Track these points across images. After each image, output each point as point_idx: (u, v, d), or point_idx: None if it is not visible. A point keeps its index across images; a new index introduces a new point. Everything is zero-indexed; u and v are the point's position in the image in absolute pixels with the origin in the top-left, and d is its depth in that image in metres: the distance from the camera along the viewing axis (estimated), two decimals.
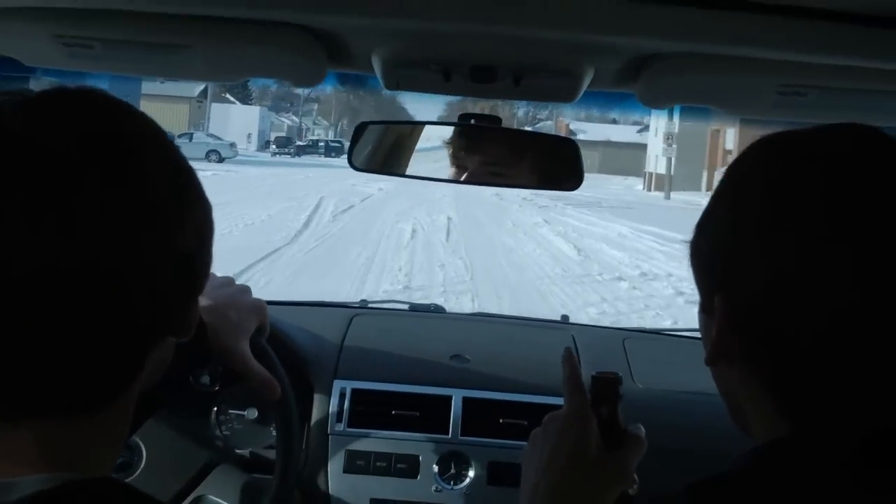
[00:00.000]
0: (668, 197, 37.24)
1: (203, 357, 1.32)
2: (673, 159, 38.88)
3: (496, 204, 25.40)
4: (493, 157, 1.60)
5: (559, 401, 1.71)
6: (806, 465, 0.72)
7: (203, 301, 1.29)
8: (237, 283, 1.47)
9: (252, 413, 1.78)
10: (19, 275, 0.66)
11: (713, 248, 0.81)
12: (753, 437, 0.81)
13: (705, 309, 0.83)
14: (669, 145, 39.14)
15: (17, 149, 0.68)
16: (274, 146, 65.77)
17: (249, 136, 73.73)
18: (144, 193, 0.73)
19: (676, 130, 39.34)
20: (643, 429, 1.13)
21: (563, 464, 1.07)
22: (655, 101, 1.37)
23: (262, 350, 1.45)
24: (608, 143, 64.34)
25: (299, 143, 69.17)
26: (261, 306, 1.46)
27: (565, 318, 2.42)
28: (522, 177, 1.64)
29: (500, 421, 1.76)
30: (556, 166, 1.62)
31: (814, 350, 0.73)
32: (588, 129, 64.11)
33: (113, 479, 0.75)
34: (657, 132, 46.18)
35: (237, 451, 1.71)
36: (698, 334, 2.33)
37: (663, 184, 40.28)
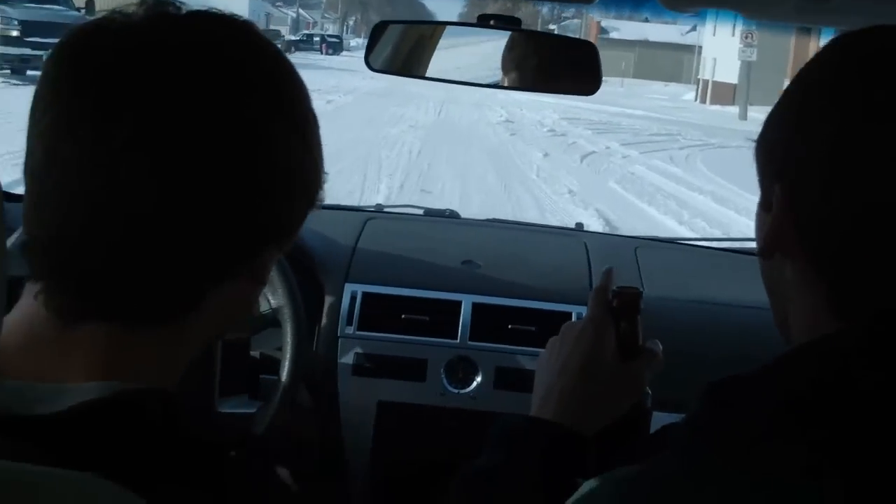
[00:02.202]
0: (743, 116, 26.27)
1: None
2: (749, 64, 27.97)
3: (505, 146, 15.18)
4: (510, 60, 1.57)
5: (568, 308, 1.78)
6: (851, 359, 0.69)
7: None
8: None
9: (263, 304, 1.79)
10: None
11: (776, 138, 0.80)
12: (794, 340, 0.79)
13: (764, 204, 0.81)
14: (749, 45, 27.77)
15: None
16: None
17: None
18: (294, 113, 0.75)
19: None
20: (660, 344, 1.13)
21: (577, 370, 1.08)
22: (677, 4, 1.33)
23: None
24: (645, 44, 56.17)
25: (290, 37, 64.16)
26: None
27: (580, 225, 2.42)
28: (539, 79, 1.62)
29: (509, 327, 1.77)
30: (573, 69, 1.60)
31: (875, 236, 0.71)
32: (621, 27, 57.16)
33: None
34: (715, 32, 36.50)
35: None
36: (712, 244, 2.34)
37: (724, 95, 33.24)
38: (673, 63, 51.44)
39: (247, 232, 0.72)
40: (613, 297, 1.13)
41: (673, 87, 44.18)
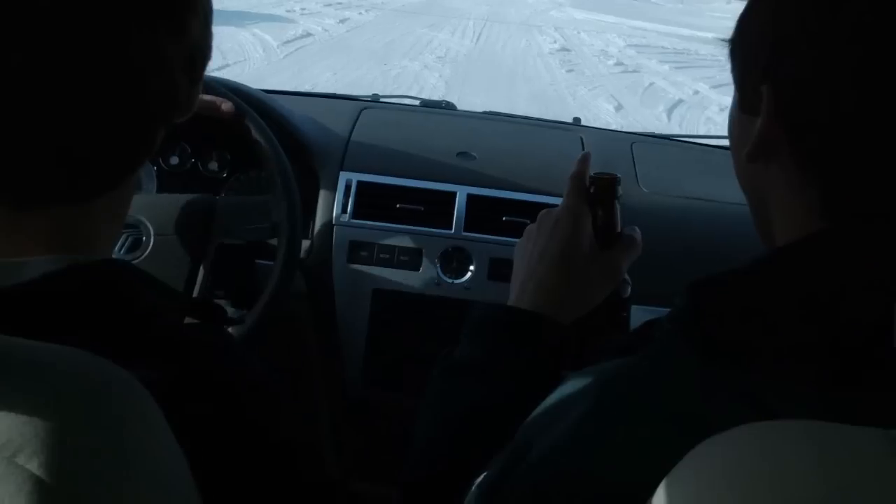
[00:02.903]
0: None
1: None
2: None
3: (562, 94, 10.99)
4: None
5: (562, 200, 1.76)
6: (840, 257, 0.69)
7: None
8: None
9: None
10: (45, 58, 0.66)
11: (761, 36, 0.77)
12: (777, 242, 0.78)
13: (745, 107, 0.79)
14: None
15: None
16: None
17: None
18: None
19: None
20: (639, 231, 1.13)
21: (555, 258, 1.07)
22: None
23: (208, 84, 1.46)
24: None
25: None
26: None
27: (577, 120, 2.39)
28: None
29: (503, 219, 1.78)
30: None
31: (867, 132, 0.69)
32: None
33: (116, 260, 0.76)
34: None
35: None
36: (708, 141, 2.30)
37: None
38: None
39: (147, 112, 0.74)
40: (590, 183, 1.12)
41: (735, 5, 41.59)
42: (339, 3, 20.49)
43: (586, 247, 1.08)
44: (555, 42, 16.74)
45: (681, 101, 10.84)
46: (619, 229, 1.12)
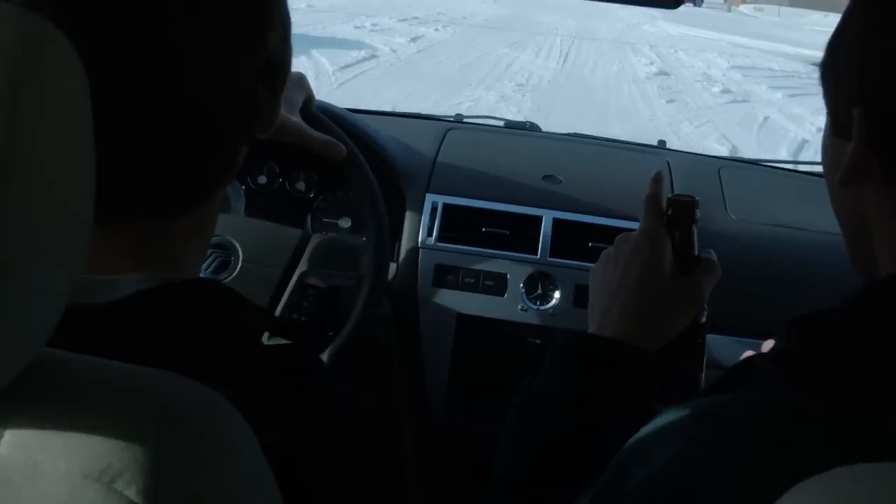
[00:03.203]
0: None
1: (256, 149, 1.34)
2: None
3: (663, 130, 9.50)
4: None
5: None
6: None
7: None
8: None
9: (346, 222, 1.84)
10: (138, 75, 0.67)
11: (851, 59, 0.76)
12: (877, 272, 0.77)
13: (837, 131, 0.79)
14: None
15: None
16: None
17: None
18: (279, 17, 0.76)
19: None
20: (714, 254, 1.11)
21: (635, 285, 1.05)
22: None
23: (315, 117, 1.48)
24: None
25: None
26: (300, 78, 1.46)
27: (662, 143, 2.36)
28: None
29: (590, 244, 1.76)
30: None
31: None
32: None
33: (209, 279, 0.78)
34: None
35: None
36: (798, 167, 2.26)
37: None
38: None
39: (229, 126, 0.75)
40: (668, 205, 1.10)
41: (833, 18, 39.34)
42: (416, 19, 19.22)
43: (667, 272, 1.06)
44: (651, 63, 15.41)
45: (805, 141, 9.41)
46: (696, 253, 1.10)
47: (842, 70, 0.78)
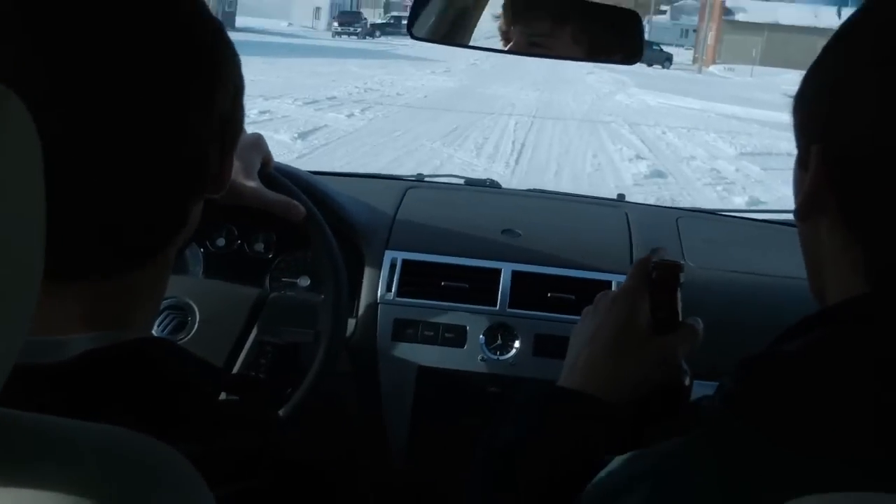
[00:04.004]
0: None
1: (215, 213, 1.31)
2: None
3: None
4: (546, 27, 1.57)
5: (608, 277, 1.78)
6: (886, 322, 0.69)
7: None
8: None
9: (304, 281, 1.84)
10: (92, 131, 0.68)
11: (817, 96, 0.78)
12: (828, 303, 0.79)
13: (802, 163, 0.80)
14: None
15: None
16: (336, 24, 51.71)
17: (318, 10, 64.81)
18: (195, 44, 0.74)
19: None
20: (701, 322, 1.10)
21: (607, 339, 1.06)
22: None
23: (273, 179, 1.48)
24: (775, 27, 50.84)
25: (376, 20, 55.59)
26: (257, 140, 1.47)
27: (621, 196, 2.40)
28: (576, 48, 1.58)
29: (549, 295, 1.77)
30: (616, 38, 1.59)
31: None
32: (749, 7, 51.99)
33: (158, 338, 0.78)
34: None
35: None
36: (754, 215, 2.28)
37: None
38: (807, 49, 44.12)
39: (179, 184, 0.75)
40: (653, 268, 1.10)
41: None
42: (330, 100, 15.72)
43: (640, 329, 1.06)
44: (637, 156, 12.01)
45: None
46: (679, 318, 1.09)
47: (808, 104, 0.80)
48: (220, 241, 1.88)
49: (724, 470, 0.67)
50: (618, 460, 0.77)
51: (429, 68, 23.99)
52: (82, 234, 0.70)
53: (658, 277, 1.10)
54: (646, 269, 1.10)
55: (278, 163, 1.56)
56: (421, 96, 17.49)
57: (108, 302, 0.75)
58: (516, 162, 10.98)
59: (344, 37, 49.56)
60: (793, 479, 0.64)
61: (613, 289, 1.71)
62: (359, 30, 50.64)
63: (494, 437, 1.04)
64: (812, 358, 0.71)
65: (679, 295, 1.10)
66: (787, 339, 0.75)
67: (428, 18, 1.63)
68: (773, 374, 0.71)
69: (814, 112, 0.78)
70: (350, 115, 14.17)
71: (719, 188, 10.18)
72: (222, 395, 0.79)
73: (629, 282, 1.10)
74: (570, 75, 23.90)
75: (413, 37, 1.62)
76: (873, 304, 0.71)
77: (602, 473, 0.78)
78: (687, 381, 1.10)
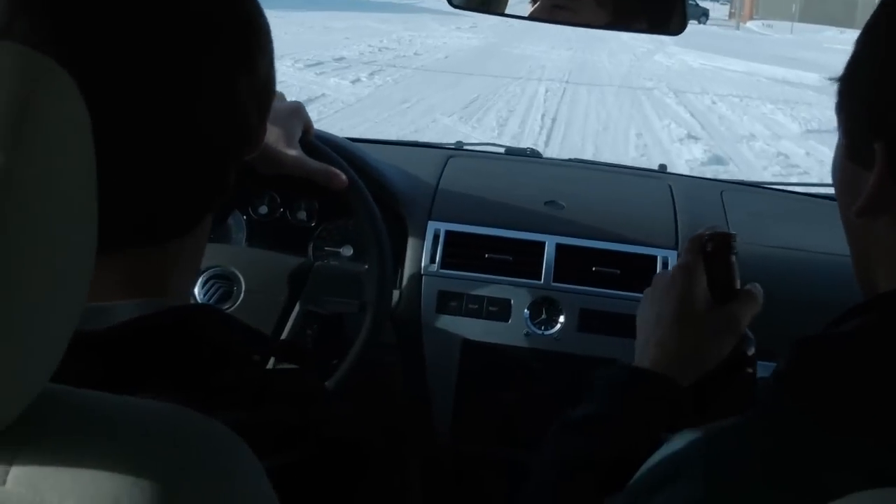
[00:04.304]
0: None
1: (246, 179, 1.34)
2: None
3: None
4: None
5: (653, 251, 1.77)
6: None
7: None
8: None
9: (347, 250, 1.84)
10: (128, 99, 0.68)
11: (871, 84, 0.76)
12: (879, 291, 0.78)
13: (852, 156, 0.78)
14: None
15: None
16: None
17: None
18: (239, 14, 0.75)
19: None
20: (760, 287, 1.12)
21: (671, 318, 1.07)
22: None
23: (315, 147, 1.48)
24: None
25: None
26: (297, 108, 1.46)
27: (663, 167, 2.38)
28: (602, 13, 1.55)
29: (593, 269, 1.76)
30: (658, 7, 1.56)
31: None
32: None
33: (207, 306, 0.79)
34: None
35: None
36: (798, 188, 2.26)
37: None
38: (848, 4, 42.91)
39: (222, 150, 0.76)
40: (707, 240, 1.12)
41: (849, 35, 30.76)
42: (339, 61, 14.47)
43: (701, 303, 1.07)
44: (689, 136, 10.49)
45: None
46: (737, 285, 1.12)
47: (861, 94, 0.77)
48: (263, 209, 1.88)
49: (776, 451, 0.67)
50: (670, 443, 0.76)
51: (454, 23, 22.23)
52: (129, 202, 0.70)
53: (713, 249, 1.11)
54: (700, 244, 1.12)
55: (319, 130, 1.56)
56: (441, 56, 15.68)
57: (150, 270, 0.76)
58: (546, 144, 9.53)
59: None
60: (841, 462, 0.64)
61: (659, 263, 1.74)
62: None
63: (567, 415, 1.06)
64: (863, 341, 0.70)
65: (735, 263, 1.12)
66: (841, 323, 0.74)
67: None
68: (823, 356, 0.71)
69: (869, 100, 0.76)
70: (355, 81, 12.65)
71: (793, 179, 8.04)
72: (271, 363, 0.80)
73: (685, 258, 1.11)
74: (604, 32, 23.05)
75: (451, 4, 1.62)
76: None
77: (655, 457, 0.78)
78: (752, 351, 1.12)
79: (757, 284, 1.12)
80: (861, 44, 0.79)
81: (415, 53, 16.17)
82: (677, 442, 0.75)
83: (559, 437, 1.05)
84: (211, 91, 0.72)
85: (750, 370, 1.12)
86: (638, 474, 0.79)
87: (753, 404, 0.73)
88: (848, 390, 0.67)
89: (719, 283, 1.10)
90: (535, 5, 1.53)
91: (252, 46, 0.76)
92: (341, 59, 14.90)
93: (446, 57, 15.32)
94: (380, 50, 16.07)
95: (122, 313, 0.70)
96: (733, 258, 1.12)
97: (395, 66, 14.29)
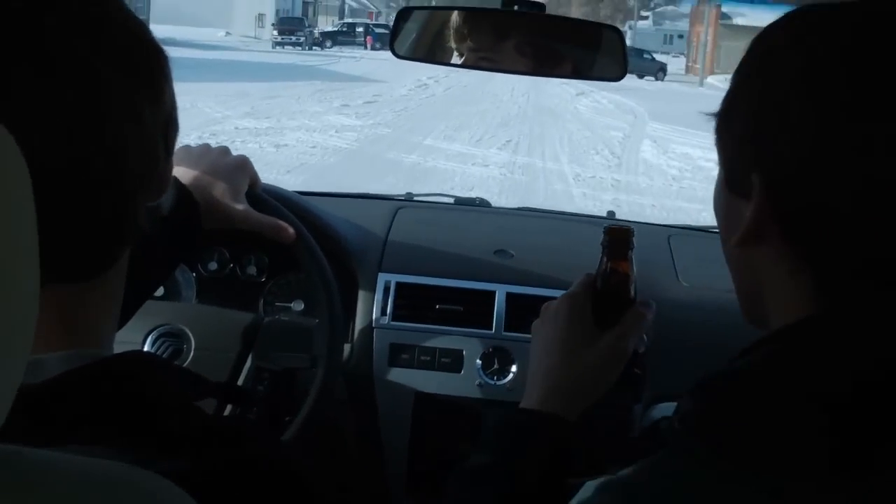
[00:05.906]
0: None
1: (193, 235, 1.32)
2: None
3: None
4: (532, 45, 1.58)
5: None
6: (839, 340, 0.69)
7: (187, 176, 1.30)
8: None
9: (298, 305, 1.83)
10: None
11: (748, 119, 0.78)
12: (771, 325, 0.79)
13: (732, 187, 0.80)
14: None
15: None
16: (275, 32, 44.77)
17: (261, 17, 59.49)
18: (143, 44, 0.75)
19: None
20: (654, 306, 1.12)
21: (554, 351, 1.08)
22: None
23: (262, 200, 1.47)
24: None
25: (325, 28, 48.72)
26: (243, 162, 1.45)
27: (611, 213, 2.41)
28: (562, 66, 1.60)
29: None
30: (599, 55, 1.60)
31: (854, 219, 0.70)
32: (748, 13, 47.92)
33: (143, 352, 0.77)
34: None
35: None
36: None
37: None
38: None
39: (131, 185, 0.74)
40: (604, 233, 1.13)
41: None
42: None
43: (584, 333, 1.08)
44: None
45: None
46: (632, 291, 1.11)
47: (737, 131, 0.79)
48: (213, 266, 1.86)
49: (688, 493, 0.68)
50: (583, 491, 0.76)
51: (342, 98, 15.69)
52: (49, 236, 0.69)
53: (609, 241, 1.12)
54: (589, 279, 1.13)
55: (266, 184, 1.55)
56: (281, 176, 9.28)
57: (75, 314, 0.74)
58: None
59: (288, 47, 42.03)
60: (754, 498, 0.65)
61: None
62: (301, 39, 43.36)
63: (465, 465, 1.06)
64: (758, 375, 0.71)
65: (632, 261, 1.12)
66: (744, 356, 0.75)
67: (408, 36, 1.64)
68: (719, 393, 0.72)
69: (746, 133, 0.77)
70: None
71: None
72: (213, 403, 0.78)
73: (571, 288, 1.13)
74: (553, 102, 19.01)
75: (395, 55, 1.64)
76: (826, 324, 0.71)
77: None
78: (642, 349, 1.13)
79: (653, 302, 1.13)
80: (737, 79, 0.81)
81: (322, 128, 11.51)
82: (586, 492, 0.75)
83: (455, 490, 1.05)
84: (123, 113, 0.70)
85: (637, 370, 1.12)
86: None
87: (658, 446, 0.73)
88: (742, 426, 0.68)
89: (615, 288, 1.10)
90: (464, 57, 1.57)
91: (158, 71, 0.76)
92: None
93: (288, 171, 9.72)
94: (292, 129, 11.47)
95: (52, 367, 0.69)
96: (630, 254, 1.12)
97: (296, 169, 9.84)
